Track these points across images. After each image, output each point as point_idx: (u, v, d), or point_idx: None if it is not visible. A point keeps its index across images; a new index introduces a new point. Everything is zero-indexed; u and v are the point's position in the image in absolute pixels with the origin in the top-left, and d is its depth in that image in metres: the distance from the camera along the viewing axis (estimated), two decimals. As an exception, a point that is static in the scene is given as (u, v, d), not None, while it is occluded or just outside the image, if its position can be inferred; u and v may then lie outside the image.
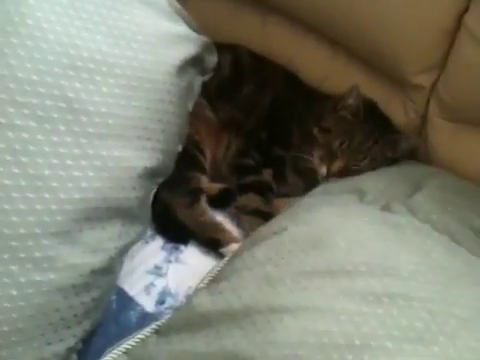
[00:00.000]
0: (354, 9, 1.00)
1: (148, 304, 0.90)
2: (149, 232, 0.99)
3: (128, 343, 0.77)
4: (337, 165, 1.01)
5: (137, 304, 0.90)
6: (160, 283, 0.93)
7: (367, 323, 0.65)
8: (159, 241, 0.99)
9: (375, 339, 0.63)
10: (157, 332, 0.77)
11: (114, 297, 0.89)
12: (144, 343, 0.76)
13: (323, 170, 1.02)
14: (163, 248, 0.98)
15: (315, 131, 1.04)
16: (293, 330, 0.65)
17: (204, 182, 1.04)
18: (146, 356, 0.74)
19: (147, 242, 0.98)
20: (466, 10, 0.93)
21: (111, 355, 0.75)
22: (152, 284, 0.93)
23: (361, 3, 0.98)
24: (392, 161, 1.02)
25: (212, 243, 0.98)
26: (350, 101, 1.01)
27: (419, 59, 1.00)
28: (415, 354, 0.62)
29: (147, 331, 0.78)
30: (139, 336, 0.77)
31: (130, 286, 0.92)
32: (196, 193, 1.02)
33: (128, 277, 0.92)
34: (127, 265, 0.90)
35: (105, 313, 0.84)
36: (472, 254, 0.78)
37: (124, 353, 0.75)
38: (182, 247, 0.99)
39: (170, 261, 0.96)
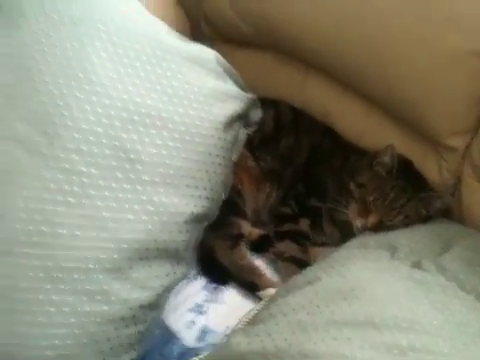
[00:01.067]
0: (388, 70, 1.05)
1: (189, 340, 0.97)
2: (193, 271, 1.06)
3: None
4: (371, 220, 1.05)
5: (179, 339, 0.97)
6: (200, 321, 1.00)
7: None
8: (201, 281, 1.06)
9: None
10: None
11: (159, 331, 0.96)
12: None
13: (358, 223, 1.07)
14: (205, 288, 1.05)
15: (351, 186, 1.10)
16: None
17: (245, 228, 1.11)
18: None
19: (190, 281, 1.05)
20: None
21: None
22: (193, 321, 1.00)
23: (396, 69, 1.04)
24: (426, 218, 1.06)
25: (250, 286, 1.04)
26: (385, 159, 1.07)
27: (452, 122, 1.04)
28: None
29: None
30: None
31: (173, 321, 0.99)
32: (237, 238, 1.09)
33: (172, 313, 1.00)
34: (171, 301, 0.99)
35: (150, 345, 0.91)
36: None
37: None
38: (222, 288, 1.05)
39: (210, 300, 1.03)
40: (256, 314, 0.88)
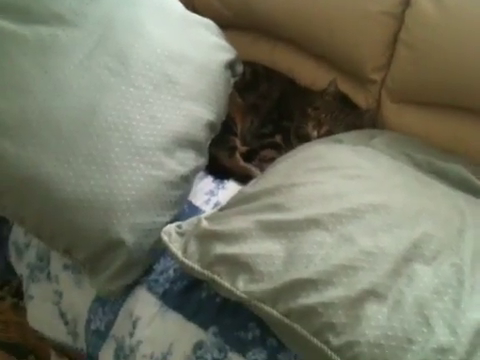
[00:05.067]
0: (331, 33, 1.56)
1: (208, 209, 1.38)
2: (203, 172, 1.49)
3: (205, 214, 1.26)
4: (323, 129, 1.56)
5: (201, 210, 1.38)
6: (214, 199, 1.41)
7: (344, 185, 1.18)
8: (210, 178, 1.48)
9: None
10: (221, 209, 1.27)
11: (186, 205, 1.34)
12: (214, 213, 1.24)
13: (314, 133, 1.57)
14: (214, 181, 1.47)
15: (309, 110, 1.60)
16: (303, 190, 1.18)
17: (237, 143, 1.58)
18: (218, 216, 1.17)
19: (203, 178, 1.47)
20: (400, 29, 1.50)
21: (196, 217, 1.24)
22: (209, 199, 1.41)
23: (334, 28, 1.55)
24: (359, 127, 1.57)
25: (245, 178, 1.50)
26: (331, 88, 1.58)
27: (373, 62, 1.53)
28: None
29: (215, 209, 1.28)
30: (211, 211, 1.27)
31: (196, 200, 1.39)
32: (233, 149, 1.55)
33: (194, 196, 1.39)
34: (193, 189, 1.36)
35: (182, 215, 1.29)
36: (403, 163, 1.34)
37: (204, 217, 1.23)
38: (225, 181, 1.47)
39: (219, 188, 1.47)
40: (256, 179, 1.35)
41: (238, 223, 1.12)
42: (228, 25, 1.77)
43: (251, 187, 1.28)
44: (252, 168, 1.54)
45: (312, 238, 1.06)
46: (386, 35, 1.52)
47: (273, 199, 1.17)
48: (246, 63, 1.64)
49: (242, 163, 1.55)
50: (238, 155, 1.56)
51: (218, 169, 1.52)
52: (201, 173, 1.46)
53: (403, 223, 1.09)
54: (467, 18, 1.38)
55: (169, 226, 1.17)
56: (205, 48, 1.44)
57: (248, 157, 1.59)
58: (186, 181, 1.32)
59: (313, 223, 1.08)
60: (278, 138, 1.61)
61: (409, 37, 1.48)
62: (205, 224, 1.14)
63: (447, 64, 1.43)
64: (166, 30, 1.38)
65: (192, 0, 1.82)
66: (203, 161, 1.39)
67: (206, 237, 1.11)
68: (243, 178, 1.50)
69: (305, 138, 1.59)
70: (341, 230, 1.07)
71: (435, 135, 1.53)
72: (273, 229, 1.09)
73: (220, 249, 1.06)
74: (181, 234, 1.16)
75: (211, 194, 1.45)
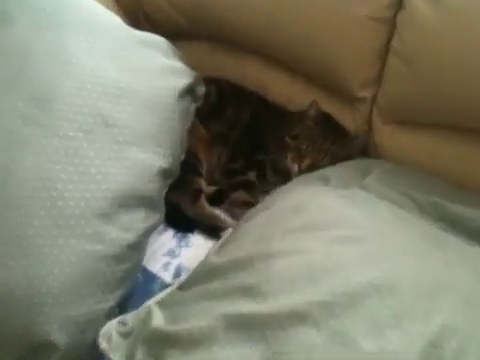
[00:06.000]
0: (309, 41, 1.29)
1: (167, 277, 1.13)
2: (162, 225, 1.23)
3: (159, 297, 1.00)
4: (305, 163, 1.29)
5: (158, 278, 1.13)
6: (175, 262, 1.17)
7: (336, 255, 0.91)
8: (171, 232, 1.24)
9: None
10: (180, 288, 1.01)
11: (140, 274, 1.11)
12: (171, 295, 0.99)
13: (295, 168, 1.30)
14: (174, 236, 1.23)
15: (287, 139, 1.33)
16: (283, 264, 0.91)
17: (202, 185, 1.31)
18: (174, 302, 0.96)
19: (161, 233, 1.22)
20: (392, 37, 1.21)
21: (146, 304, 0.98)
22: (168, 263, 1.16)
23: (312, 35, 1.28)
24: (347, 158, 1.29)
25: (213, 230, 1.23)
26: (311, 112, 1.31)
27: (360, 76, 1.28)
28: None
29: (172, 288, 1.01)
30: (166, 291, 1.01)
31: (152, 265, 1.15)
32: (197, 193, 1.28)
33: (150, 259, 1.15)
34: (149, 250, 1.13)
35: (134, 286, 1.06)
36: (406, 211, 1.06)
37: (156, 303, 0.98)
38: (190, 235, 1.23)
39: (181, 246, 1.21)
40: (225, 239, 1.07)
41: (199, 320, 0.85)
42: (184, 34, 1.52)
43: (218, 255, 1.01)
44: (221, 215, 1.27)
45: (297, 340, 0.79)
46: (375, 44, 1.26)
47: (245, 278, 0.91)
48: (209, 80, 1.37)
49: (209, 210, 1.28)
50: (204, 199, 1.28)
51: (180, 220, 1.25)
52: (160, 226, 1.19)
53: (415, 311, 0.82)
54: (471, 22, 1.10)
55: (109, 325, 0.90)
56: (151, 75, 1.15)
57: (216, 199, 1.32)
58: (135, 249, 1.05)
59: (297, 318, 0.81)
60: (252, 175, 1.34)
61: (402, 45, 1.21)
62: (157, 321, 0.88)
63: (448, 77, 1.16)
64: (99, 57, 1.08)
65: (141, 5, 1.53)
66: (157, 218, 1.12)
67: (158, 341, 0.85)
68: (211, 229, 1.24)
69: (284, 173, 1.32)
70: (335, 326, 0.80)
71: (437, 161, 1.27)
72: (246, 327, 0.82)
73: (176, 360, 0.79)
74: (126, 335, 0.89)
75: (171, 255, 1.20)
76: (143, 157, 1.07)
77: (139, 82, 1.11)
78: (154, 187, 1.09)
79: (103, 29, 1.13)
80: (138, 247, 1.06)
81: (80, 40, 1.08)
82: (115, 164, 1.02)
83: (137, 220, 1.05)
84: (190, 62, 1.29)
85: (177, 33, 1.50)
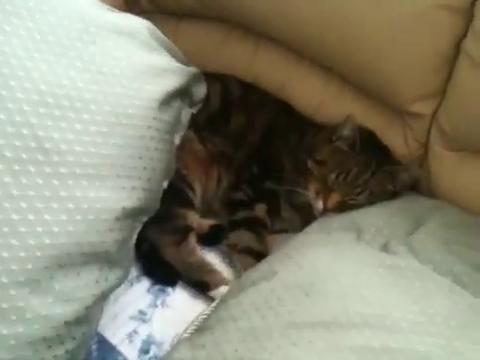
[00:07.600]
0: (346, 37, 0.96)
1: (131, 354, 0.84)
2: (135, 273, 0.94)
3: None
4: (333, 199, 0.95)
5: (119, 353, 0.84)
6: (144, 330, 0.87)
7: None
8: (145, 283, 0.94)
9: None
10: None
11: (95, 345, 0.84)
12: None
13: (319, 205, 0.97)
14: (149, 291, 0.93)
15: (309, 164, 0.99)
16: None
17: (193, 219, 0.99)
18: None
19: (132, 284, 0.93)
20: (464, 35, 0.89)
21: None
22: (135, 331, 0.87)
23: (353, 31, 0.95)
24: (392, 194, 0.98)
25: (201, 286, 0.92)
26: (345, 132, 0.97)
27: (417, 86, 0.96)
28: None
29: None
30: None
31: (112, 333, 0.86)
32: (184, 231, 0.97)
33: (110, 323, 0.87)
34: (109, 310, 0.87)
35: None
36: (477, 297, 0.72)
37: None
38: (169, 290, 0.93)
39: (156, 306, 0.91)
40: (205, 319, 0.76)
41: None
42: (192, 15, 1.21)
43: (190, 347, 0.69)
44: (215, 267, 0.96)
45: None
46: (441, 43, 0.93)
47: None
48: (213, 77, 1.05)
49: (198, 255, 0.96)
50: (192, 240, 0.97)
51: (158, 267, 0.95)
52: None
53: None
54: None
55: None
56: (121, 76, 0.81)
57: (212, 237, 1.00)
58: (80, 324, 0.75)
59: None
60: (260, 209, 1.01)
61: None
62: None
63: None
64: (38, 49, 0.76)
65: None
66: (119, 275, 0.81)
67: None
68: (199, 284, 0.94)
69: (304, 210, 1.00)
70: None
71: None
72: None
73: None
74: None
75: (141, 319, 0.92)
76: (97, 196, 0.75)
77: (101, 87, 0.79)
78: (113, 237, 0.77)
79: (54, 10, 0.80)
80: (85, 321, 0.75)
81: (28, 33, 0.76)
82: (51, 208, 0.71)
83: (84, 285, 0.74)
84: (192, 49, 1.02)
85: (181, 12, 1.21)
